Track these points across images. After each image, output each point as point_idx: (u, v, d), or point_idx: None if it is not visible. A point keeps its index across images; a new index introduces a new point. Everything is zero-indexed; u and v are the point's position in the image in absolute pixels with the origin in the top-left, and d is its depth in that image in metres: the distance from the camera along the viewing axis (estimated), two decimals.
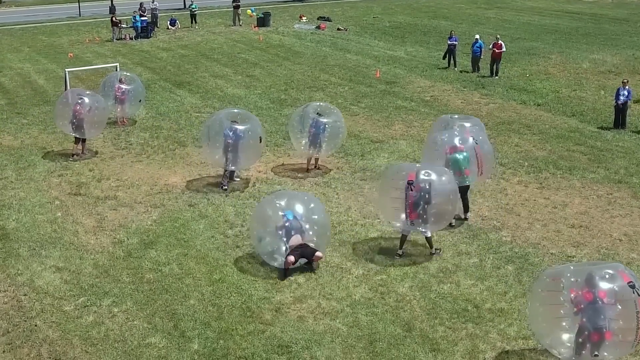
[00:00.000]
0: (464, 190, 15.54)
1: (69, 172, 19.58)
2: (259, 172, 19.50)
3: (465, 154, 15.42)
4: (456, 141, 15.57)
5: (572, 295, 9.96)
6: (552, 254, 14.66)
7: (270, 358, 11.32)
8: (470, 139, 15.69)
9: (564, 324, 10.14)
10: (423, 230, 14.19)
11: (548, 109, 25.59)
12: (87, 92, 21.37)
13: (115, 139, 22.58)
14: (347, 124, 23.69)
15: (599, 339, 9.80)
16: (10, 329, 12.14)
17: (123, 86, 23.47)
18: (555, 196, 17.63)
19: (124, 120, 24.17)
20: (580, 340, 9.90)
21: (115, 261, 14.52)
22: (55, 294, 13.27)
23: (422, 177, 13.72)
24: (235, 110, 19.19)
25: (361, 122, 24.05)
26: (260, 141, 17.90)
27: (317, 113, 18.88)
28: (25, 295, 13.26)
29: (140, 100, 24.10)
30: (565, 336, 10.18)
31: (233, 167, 18.05)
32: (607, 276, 9.91)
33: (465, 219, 16.05)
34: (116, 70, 27.48)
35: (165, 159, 20.52)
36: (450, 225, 15.30)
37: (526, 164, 19.90)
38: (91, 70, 30.82)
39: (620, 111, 23.15)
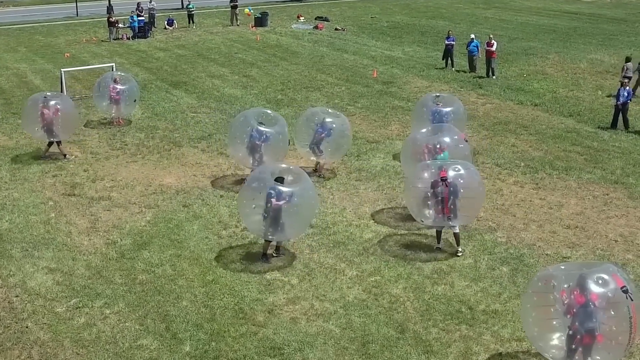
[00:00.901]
0: None
1: (63, 173, 19.49)
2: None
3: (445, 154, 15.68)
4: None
5: (563, 297, 9.86)
6: (547, 254, 14.59)
7: None
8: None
9: (555, 325, 10.06)
10: (453, 224, 14.35)
11: (545, 109, 25.52)
12: (53, 94, 21.37)
13: (110, 139, 22.50)
14: None
15: (590, 342, 9.70)
16: (1, 331, 12.07)
17: (117, 86, 23.34)
18: (551, 197, 17.56)
19: (120, 120, 24.08)
20: (572, 344, 9.81)
21: (108, 262, 14.44)
22: (47, 296, 13.19)
23: (452, 172, 14.00)
24: (267, 112, 18.79)
25: (357, 123, 23.96)
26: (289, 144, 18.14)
27: (323, 119, 18.21)
28: (17, 296, 13.18)
29: (135, 100, 23.99)
30: (557, 339, 10.09)
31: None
32: (600, 280, 9.78)
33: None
34: (112, 70, 27.43)
35: (160, 160, 20.43)
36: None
37: (522, 164, 19.83)
38: (87, 70, 30.73)
39: (620, 112, 23.08)
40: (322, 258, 14.43)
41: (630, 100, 23.19)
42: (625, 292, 9.68)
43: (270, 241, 14.19)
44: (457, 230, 14.45)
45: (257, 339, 11.76)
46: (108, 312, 12.65)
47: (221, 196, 17.72)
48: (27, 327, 12.19)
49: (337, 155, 18.92)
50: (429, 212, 14.25)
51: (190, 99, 27.44)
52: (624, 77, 25.64)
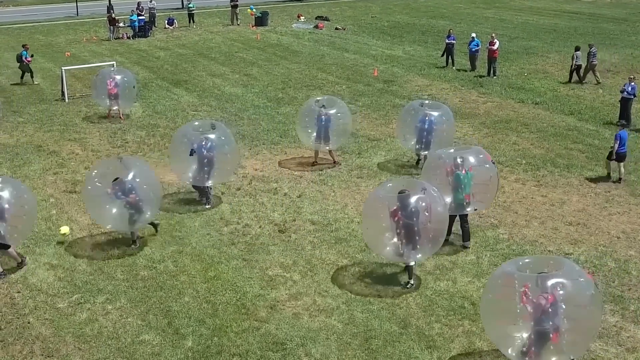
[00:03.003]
0: (463, 218, 14.58)
1: (64, 170, 19.47)
2: (255, 169, 19.41)
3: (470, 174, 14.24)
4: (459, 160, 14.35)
5: (524, 298, 9.69)
6: (549, 251, 14.57)
7: (264, 355, 11.22)
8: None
9: (515, 325, 9.93)
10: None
11: (546, 107, 25.49)
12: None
13: (111, 136, 22.48)
14: None
15: (547, 341, 9.63)
16: (3, 326, 12.05)
17: (116, 76, 23.85)
18: (552, 194, 17.54)
19: (121, 115, 24.40)
20: (532, 345, 9.71)
21: (110, 258, 14.42)
22: (48, 291, 13.17)
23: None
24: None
25: (358, 121, 23.93)
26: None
27: (322, 106, 19.00)
28: (18, 292, 13.16)
29: (133, 87, 24.47)
30: (519, 338, 9.93)
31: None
32: (563, 279, 9.71)
33: (465, 247, 14.63)
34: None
35: (161, 157, 20.39)
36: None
37: (524, 161, 19.81)
38: (88, 68, 30.69)
39: (623, 107, 23.06)
40: (324, 254, 14.41)
41: (634, 96, 23.13)
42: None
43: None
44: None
45: (259, 334, 11.74)
46: (110, 307, 12.63)
47: (222, 193, 17.69)
48: (29, 323, 12.18)
49: (344, 138, 19.70)
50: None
51: (190, 98, 27.41)
52: (575, 64, 28.68)
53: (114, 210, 14.41)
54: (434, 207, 12.65)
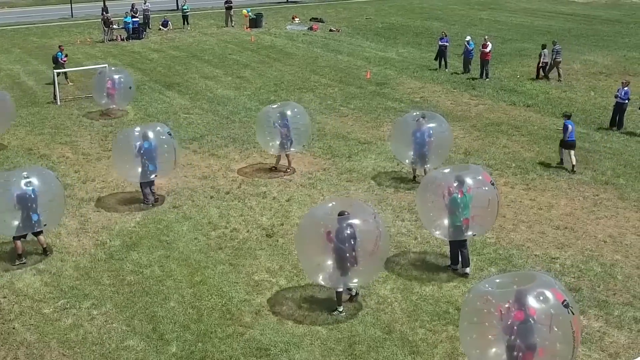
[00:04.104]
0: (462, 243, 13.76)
1: (54, 174, 19.41)
2: (245, 173, 19.42)
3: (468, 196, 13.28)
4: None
5: (502, 314, 9.38)
6: (536, 255, 14.61)
7: None
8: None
9: (493, 343, 9.60)
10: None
11: (537, 110, 25.53)
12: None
13: (102, 140, 22.48)
14: (336, 125, 23.77)
15: (531, 358, 9.33)
16: None
17: (115, 76, 24.81)
18: (541, 197, 17.57)
19: (117, 111, 25.43)
20: None
21: (97, 263, 14.43)
22: (35, 297, 13.18)
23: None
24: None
25: (350, 124, 23.98)
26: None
27: (279, 112, 18.89)
28: (4, 297, 13.17)
29: (130, 87, 25.22)
30: (497, 357, 9.59)
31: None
32: (541, 297, 9.36)
33: (466, 273, 13.82)
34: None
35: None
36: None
37: (514, 165, 19.84)
38: (81, 71, 30.71)
39: (617, 111, 23.13)
40: None
41: (629, 100, 23.18)
42: (567, 306, 9.32)
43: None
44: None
45: (243, 339, 11.76)
46: (95, 313, 12.64)
47: (211, 197, 17.71)
48: (14, 328, 12.19)
49: (304, 139, 19.54)
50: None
51: (183, 100, 27.41)
52: (543, 62, 29.98)
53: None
54: (383, 235, 12.04)
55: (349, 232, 11.69)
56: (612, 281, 13.55)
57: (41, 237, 14.54)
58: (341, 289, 12.33)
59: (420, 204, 14.37)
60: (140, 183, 17.08)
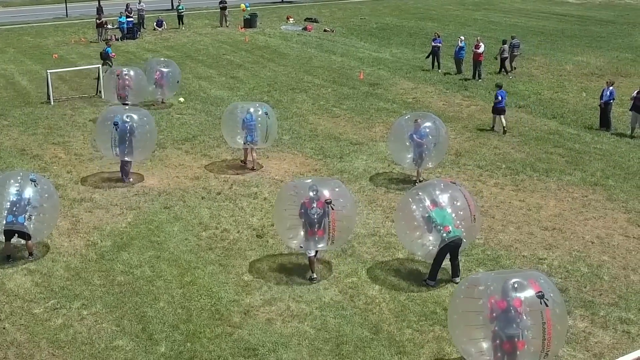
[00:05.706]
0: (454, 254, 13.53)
1: (47, 174, 19.48)
2: (237, 173, 19.52)
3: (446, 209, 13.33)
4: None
5: (489, 303, 9.74)
6: (524, 256, 14.73)
7: None
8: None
9: (479, 331, 9.92)
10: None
11: (529, 111, 25.68)
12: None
13: (95, 140, 22.49)
14: (328, 126, 23.87)
15: (511, 349, 9.60)
16: None
17: (163, 69, 26.03)
18: (530, 198, 17.70)
19: (164, 101, 26.66)
20: (497, 352, 9.71)
21: (88, 264, 14.51)
22: (25, 297, 13.25)
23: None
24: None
25: (342, 124, 24.08)
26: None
27: (248, 110, 19.28)
28: None
29: (177, 82, 26.77)
30: (482, 345, 9.94)
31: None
32: (517, 285, 9.70)
33: (455, 283, 13.52)
34: (99, 70, 28.12)
35: (143, 161, 20.46)
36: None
37: (504, 166, 19.97)
38: (74, 71, 30.76)
39: (603, 111, 23.30)
40: (299, 260, 14.51)
41: (613, 100, 23.36)
42: (541, 297, 9.57)
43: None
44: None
45: (232, 339, 11.85)
46: (85, 313, 12.72)
47: (202, 198, 17.80)
48: (4, 329, 12.25)
49: (272, 136, 19.93)
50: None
51: (175, 100, 27.45)
52: (502, 56, 31.17)
53: None
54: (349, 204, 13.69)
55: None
56: (598, 282, 13.69)
57: (29, 242, 14.54)
58: (312, 254, 13.54)
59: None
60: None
